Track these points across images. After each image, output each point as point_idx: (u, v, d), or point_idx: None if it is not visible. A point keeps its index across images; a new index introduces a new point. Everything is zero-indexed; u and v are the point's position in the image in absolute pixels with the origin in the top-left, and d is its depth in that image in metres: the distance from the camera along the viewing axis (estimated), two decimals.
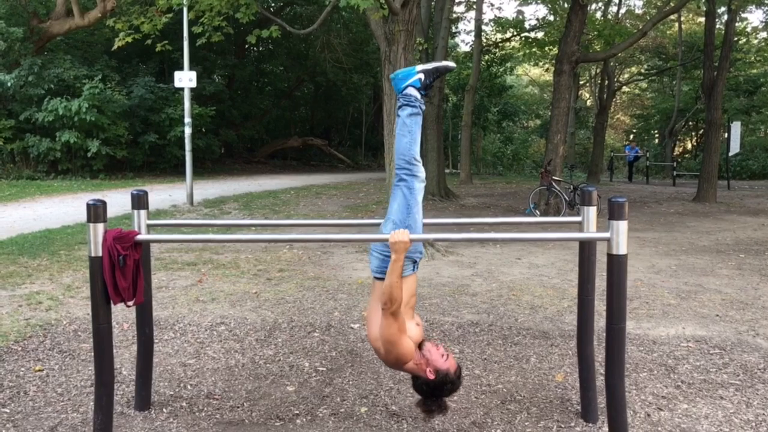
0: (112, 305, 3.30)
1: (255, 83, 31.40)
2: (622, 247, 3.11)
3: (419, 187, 3.49)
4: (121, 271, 3.23)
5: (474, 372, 4.59)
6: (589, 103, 41.61)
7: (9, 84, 18.57)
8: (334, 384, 4.39)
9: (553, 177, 13.21)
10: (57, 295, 6.39)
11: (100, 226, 3.23)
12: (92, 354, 3.38)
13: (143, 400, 3.94)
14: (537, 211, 13.23)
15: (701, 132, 33.73)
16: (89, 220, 3.23)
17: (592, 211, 3.67)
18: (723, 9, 16.91)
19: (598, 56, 17.12)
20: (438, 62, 3.68)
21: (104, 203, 3.27)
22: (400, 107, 3.55)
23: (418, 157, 3.52)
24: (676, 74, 32.77)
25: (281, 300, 6.40)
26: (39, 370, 4.51)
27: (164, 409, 3.94)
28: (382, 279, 3.34)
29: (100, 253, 3.22)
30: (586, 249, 3.71)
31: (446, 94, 27.50)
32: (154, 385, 4.23)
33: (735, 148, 21.63)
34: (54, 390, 4.20)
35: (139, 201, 3.76)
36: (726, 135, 22.16)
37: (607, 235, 3.13)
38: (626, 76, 38.22)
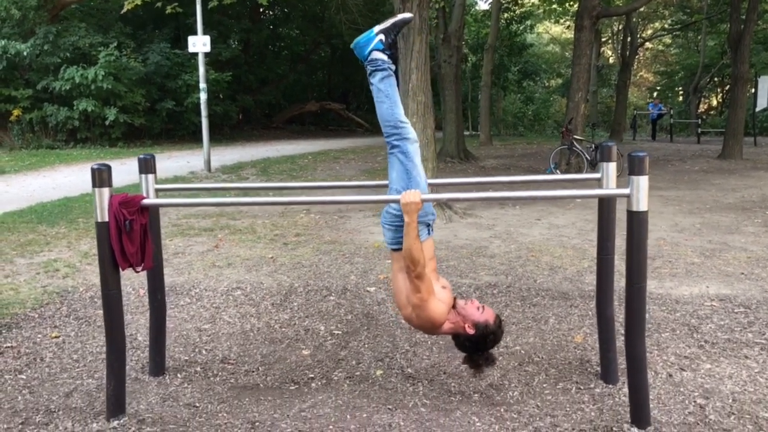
0: (121, 271, 3.26)
1: (271, 47, 31.16)
2: (642, 204, 2.98)
3: (413, 148, 3.37)
4: (128, 236, 3.18)
5: None
6: (611, 60, 40.78)
7: (25, 53, 18.56)
8: (350, 347, 4.34)
9: (575, 136, 12.97)
10: (74, 263, 6.40)
11: (106, 191, 3.17)
12: (105, 345, 3.35)
13: (157, 366, 3.92)
14: (558, 171, 13.03)
15: (727, 88, 32.95)
16: (94, 185, 3.18)
17: (611, 167, 3.54)
18: None
19: (620, 10, 16.66)
20: (394, 17, 3.49)
21: (109, 167, 3.21)
22: (370, 74, 3.40)
23: (404, 118, 3.40)
24: (701, 29, 31.95)
25: (297, 264, 6.36)
26: (55, 337, 4.52)
27: (179, 375, 3.92)
28: (398, 249, 3.29)
29: (106, 219, 3.17)
30: (606, 206, 3.59)
31: (465, 54, 27.04)
32: (169, 350, 4.22)
33: (762, 103, 21.11)
34: (70, 356, 4.20)
35: (146, 165, 3.68)
36: (753, 90, 21.64)
37: (627, 191, 3.01)
38: (649, 32, 37.33)
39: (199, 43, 13.85)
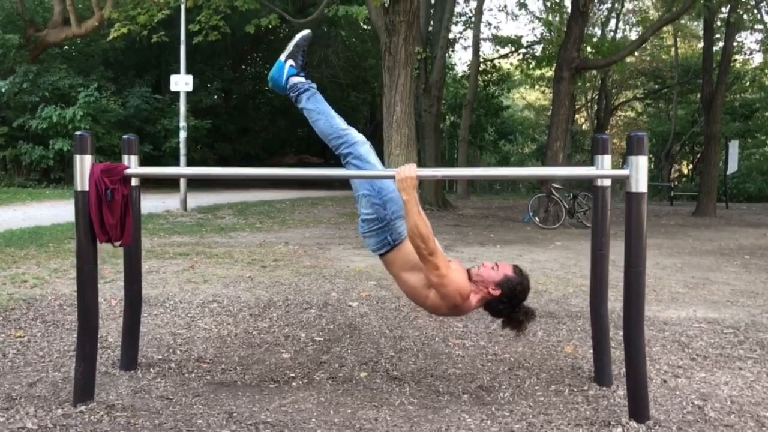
0: (98, 246, 3.09)
1: (252, 101, 31.38)
2: (641, 185, 2.93)
3: (364, 149, 3.30)
4: (109, 207, 3.03)
5: (479, 343, 4.37)
6: (585, 127, 41.69)
7: (3, 90, 18.44)
8: (332, 352, 4.16)
9: (553, 184, 13.05)
10: (43, 276, 6.16)
11: (87, 159, 3.04)
12: (77, 325, 3.15)
13: (130, 360, 3.71)
14: (536, 219, 13.05)
15: (698, 156, 33.77)
16: (76, 152, 3.05)
17: (606, 158, 3.49)
18: (720, 23, 16.87)
19: (599, 63, 17.10)
20: (293, 39, 3.49)
21: (92, 134, 3.08)
22: (296, 100, 3.40)
23: (344, 126, 3.35)
24: (672, 99, 32.92)
25: (276, 283, 6.17)
26: (20, 336, 4.27)
27: (151, 370, 3.70)
28: (389, 251, 3.21)
29: (86, 188, 3.02)
30: (600, 195, 3.51)
31: (443, 113, 27.47)
32: (141, 350, 3.99)
33: (733, 167, 21.60)
34: (35, 353, 3.96)
35: (129, 146, 3.56)
36: (724, 155, 22.14)
37: (626, 172, 2.96)
38: (622, 100, 38.34)
39: (182, 82, 13.85)
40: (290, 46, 3.45)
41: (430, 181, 16.30)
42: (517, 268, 3.18)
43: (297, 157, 31.87)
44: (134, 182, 3.46)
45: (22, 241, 8.55)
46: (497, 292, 3.09)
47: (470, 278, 3.14)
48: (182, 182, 14.60)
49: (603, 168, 3.49)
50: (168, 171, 3.70)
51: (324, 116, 3.34)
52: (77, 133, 3.05)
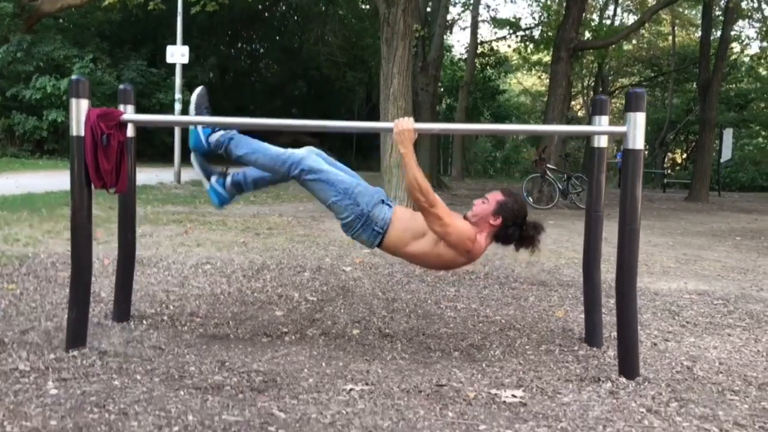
0: (93, 191, 3.09)
1: (247, 77, 31.20)
2: (639, 141, 2.94)
3: (312, 160, 3.23)
4: (104, 152, 3.02)
5: (471, 306, 4.40)
6: (580, 114, 41.66)
7: None
8: (325, 311, 4.17)
9: (548, 165, 13.06)
10: (36, 236, 6.14)
11: (84, 102, 3.03)
12: (70, 272, 3.14)
13: (122, 311, 3.70)
14: (530, 199, 13.07)
15: (692, 144, 33.86)
16: (72, 96, 3.04)
17: (604, 119, 3.49)
18: (719, 12, 16.85)
19: (596, 44, 17.12)
20: (192, 102, 3.42)
21: (88, 79, 3.06)
22: (227, 155, 3.30)
23: (282, 149, 3.26)
24: (668, 87, 32.92)
25: (270, 248, 6.18)
26: (12, 289, 4.26)
27: (144, 322, 3.71)
28: (382, 240, 3.21)
29: (82, 132, 3.01)
30: (596, 156, 3.52)
31: (440, 95, 27.41)
32: (134, 305, 3.99)
33: (727, 155, 21.61)
34: (27, 305, 3.95)
35: (125, 96, 3.55)
36: (718, 143, 22.18)
37: (623, 129, 2.97)
38: (618, 86, 38.33)
39: (177, 54, 13.77)
40: (192, 108, 3.37)
41: (425, 158, 16.31)
42: (505, 190, 3.22)
43: (292, 137, 31.55)
44: (130, 133, 3.44)
45: (14, 206, 8.50)
46: (499, 221, 3.12)
47: (469, 222, 3.16)
48: (176, 156, 14.57)
49: (600, 122, 3.50)
50: (164, 118, 3.68)
51: (260, 152, 3.25)
52: (73, 77, 3.04)
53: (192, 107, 3.39)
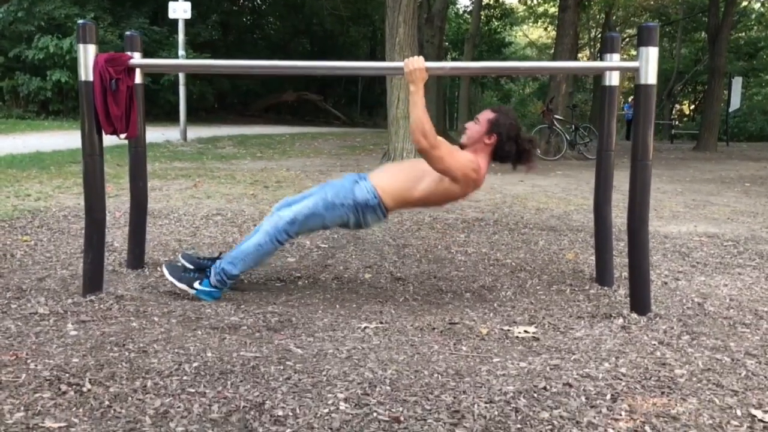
0: (104, 136, 3.09)
1: (250, 34, 30.84)
2: (651, 77, 2.91)
3: (285, 219, 3.16)
4: (114, 97, 3.01)
5: (481, 250, 4.42)
6: None
7: None
8: (337, 257, 4.20)
9: (555, 116, 12.96)
10: (47, 191, 6.17)
11: (91, 48, 3.01)
12: (83, 233, 3.15)
13: (136, 258, 3.74)
14: (538, 150, 13.00)
15: (700, 95, 33.50)
16: (79, 41, 3.01)
17: (615, 56, 3.46)
18: None
19: None
20: (168, 279, 3.25)
21: (96, 23, 3.04)
22: (231, 279, 3.22)
23: (259, 239, 3.18)
24: (676, 37, 32.42)
25: (279, 199, 6.17)
26: (26, 241, 4.30)
27: (158, 269, 3.73)
28: (383, 207, 3.18)
29: (90, 78, 2.99)
30: (607, 94, 3.50)
31: (446, 48, 27.07)
32: (148, 254, 4.02)
33: (735, 103, 21.36)
34: (42, 255, 3.99)
35: (132, 42, 3.51)
36: (726, 93, 21.90)
37: (636, 64, 2.94)
38: (626, 37, 37.79)
39: (180, 9, 13.58)
40: (176, 284, 3.21)
41: (432, 111, 16.21)
42: (494, 107, 3.23)
43: (296, 94, 31.44)
44: (138, 79, 3.42)
45: (23, 164, 8.53)
46: (494, 139, 3.11)
47: (465, 148, 3.15)
48: (182, 114, 14.48)
49: (612, 58, 3.46)
50: (172, 62, 3.65)
51: (250, 257, 3.19)
52: (80, 21, 3.01)
53: (175, 284, 3.22)
